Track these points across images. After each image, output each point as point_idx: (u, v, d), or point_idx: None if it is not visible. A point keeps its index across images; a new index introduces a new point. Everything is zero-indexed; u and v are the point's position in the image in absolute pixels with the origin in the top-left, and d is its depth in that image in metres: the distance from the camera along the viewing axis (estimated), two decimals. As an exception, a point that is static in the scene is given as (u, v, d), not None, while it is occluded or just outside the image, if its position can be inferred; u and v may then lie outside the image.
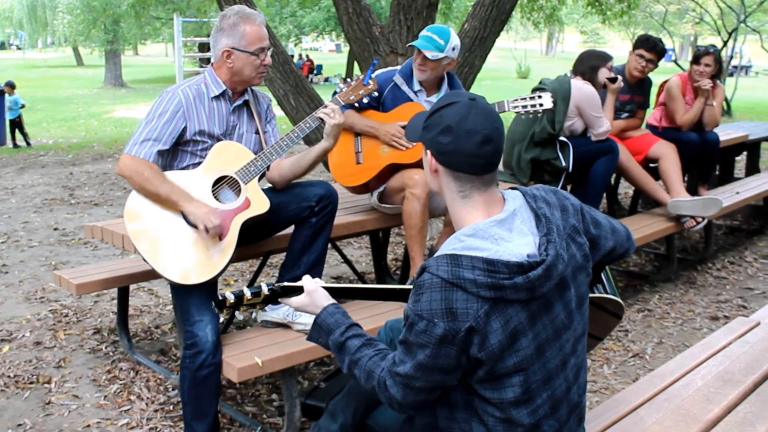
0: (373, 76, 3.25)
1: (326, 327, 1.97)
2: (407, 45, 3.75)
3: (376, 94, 3.37)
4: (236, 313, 2.13)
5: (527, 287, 1.65)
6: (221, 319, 2.16)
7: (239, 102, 3.08)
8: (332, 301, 2.04)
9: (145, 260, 2.91)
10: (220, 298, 2.02)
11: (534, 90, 4.86)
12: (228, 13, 2.99)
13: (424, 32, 3.70)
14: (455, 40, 3.68)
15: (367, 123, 3.76)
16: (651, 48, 5.18)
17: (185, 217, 2.91)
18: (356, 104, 3.31)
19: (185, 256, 2.88)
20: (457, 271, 1.63)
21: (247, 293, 2.05)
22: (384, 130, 3.71)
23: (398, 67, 3.89)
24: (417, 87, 3.80)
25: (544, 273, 1.67)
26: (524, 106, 3.58)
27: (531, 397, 1.74)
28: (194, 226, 2.89)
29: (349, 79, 3.24)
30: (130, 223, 2.91)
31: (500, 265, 1.63)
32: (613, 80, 4.81)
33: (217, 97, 3.00)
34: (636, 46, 5.26)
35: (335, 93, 3.34)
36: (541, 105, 3.56)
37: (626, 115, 5.44)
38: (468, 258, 1.64)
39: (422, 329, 1.65)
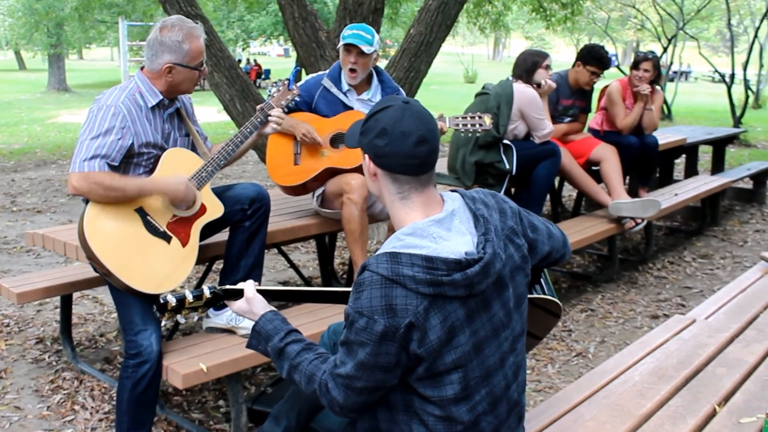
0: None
1: (265, 334, 1.97)
2: (339, 45, 3.81)
3: (298, 99, 3.59)
4: (180, 317, 2.12)
5: (465, 284, 1.69)
6: (163, 323, 2.15)
7: (171, 110, 3.06)
8: (270, 307, 2.05)
9: (115, 276, 2.79)
10: (162, 301, 2.02)
11: (477, 95, 4.96)
12: (169, 26, 2.91)
13: (349, 31, 3.78)
14: (377, 35, 3.84)
15: (289, 122, 3.79)
16: (606, 65, 5.37)
17: (146, 227, 2.89)
18: (285, 109, 3.53)
19: (154, 267, 2.86)
20: (397, 268, 1.67)
21: (189, 296, 2.05)
22: (299, 128, 3.78)
23: (325, 72, 3.94)
24: (346, 87, 3.87)
25: (482, 270, 1.71)
26: (464, 125, 3.71)
27: (470, 394, 1.77)
28: (158, 233, 2.89)
29: (277, 83, 3.40)
30: (94, 242, 2.78)
31: (439, 262, 1.67)
32: (539, 85, 4.88)
33: (153, 107, 2.96)
34: (589, 63, 5.36)
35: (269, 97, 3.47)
36: (481, 125, 3.68)
37: (569, 119, 5.55)
38: (407, 255, 1.68)
39: (363, 326, 1.68)
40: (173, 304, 2.03)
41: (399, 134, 1.75)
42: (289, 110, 3.83)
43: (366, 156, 1.83)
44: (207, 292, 2.07)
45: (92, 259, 2.83)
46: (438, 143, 1.82)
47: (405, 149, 1.75)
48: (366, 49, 3.71)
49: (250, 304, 2.04)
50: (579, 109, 5.59)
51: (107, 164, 2.79)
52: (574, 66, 5.47)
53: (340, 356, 1.78)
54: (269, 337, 1.96)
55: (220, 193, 3.18)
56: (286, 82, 3.45)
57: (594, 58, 5.35)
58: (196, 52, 2.94)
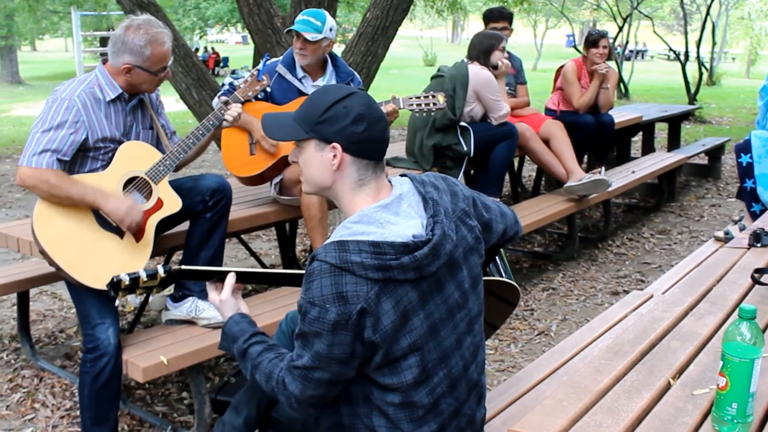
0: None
1: (231, 336, 1.98)
2: (285, 31, 3.78)
3: (269, 89, 3.46)
4: (134, 297, 2.11)
5: (414, 267, 1.70)
6: (116, 303, 2.12)
7: (134, 102, 3.01)
8: (239, 310, 2.05)
9: (65, 272, 2.78)
10: (115, 280, 1.99)
11: (433, 78, 4.95)
12: (134, 26, 2.85)
13: (300, 17, 3.76)
14: (331, 21, 3.77)
15: (246, 118, 3.72)
16: (497, 17, 5.48)
17: (98, 221, 2.84)
18: (253, 99, 3.47)
19: (105, 262, 2.81)
20: (345, 255, 1.66)
21: (143, 275, 2.02)
22: (257, 128, 3.71)
23: (280, 58, 3.90)
24: (301, 74, 3.84)
25: (431, 252, 1.72)
26: (419, 105, 3.72)
27: (428, 376, 1.78)
28: (111, 228, 2.84)
29: (243, 73, 3.30)
30: (43, 236, 2.77)
31: (386, 247, 1.67)
32: (495, 67, 4.90)
33: (113, 100, 2.91)
34: (487, 22, 5.53)
35: (231, 85, 3.38)
36: (435, 104, 3.69)
37: (508, 89, 5.56)
38: (354, 242, 1.68)
39: (315, 316, 1.67)
40: (127, 283, 2.00)
41: (374, 119, 1.77)
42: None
43: (333, 145, 1.77)
44: (161, 272, 2.05)
45: (43, 253, 2.80)
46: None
47: (379, 134, 1.79)
48: (311, 36, 3.66)
49: (222, 306, 2.05)
50: (512, 77, 5.59)
51: (58, 159, 2.75)
52: None
53: (296, 350, 1.78)
54: (235, 339, 1.97)
55: (182, 184, 3.14)
56: (255, 73, 3.36)
57: (484, 16, 5.57)
58: (157, 58, 2.89)
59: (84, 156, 2.89)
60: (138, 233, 2.89)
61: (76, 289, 2.86)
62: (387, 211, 1.76)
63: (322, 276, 1.67)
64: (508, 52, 5.55)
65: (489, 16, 5.58)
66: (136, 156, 2.96)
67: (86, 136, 2.82)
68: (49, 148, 2.74)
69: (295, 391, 1.78)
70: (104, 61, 2.95)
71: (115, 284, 1.99)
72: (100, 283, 2.75)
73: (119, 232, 2.87)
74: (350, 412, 1.84)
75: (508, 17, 5.54)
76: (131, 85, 2.93)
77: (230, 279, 2.06)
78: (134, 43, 2.84)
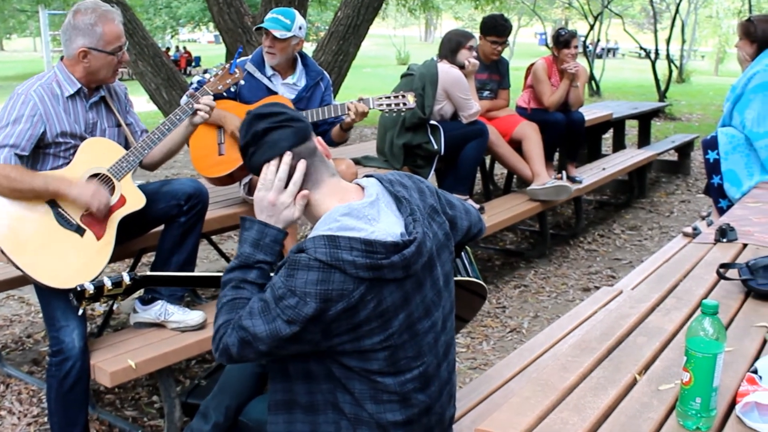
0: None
1: (262, 245, 1.82)
2: (254, 28, 3.76)
3: (243, 82, 3.43)
4: (98, 305, 2.08)
5: (403, 265, 1.69)
6: (80, 311, 2.08)
7: (95, 98, 2.96)
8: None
9: (24, 272, 2.73)
10: (79, 289, 1.95)
11: (403, 76, 4.95)
12: (82, 9, 2.83)
13: (269, 14, 3.77)
14: (300, 20, 3.77)
15: (218, 113, 3.67)
16: (501, 33, 5.36)
17: (58, 219, 2.79)
18: (224, 94, 3.46)
19: (65, 261, 2.76)
20: (336, 252, 1.64)
21: (108, 283, 2.00)
22: (230, 121, 3.70)
23: (249, 57, 3.88)
24: (270, 72, 3.82)
25: (417, 250, 1.72)
26: (388, 105, 3.74)
27: (399, 371, 1.77)
28: (71, 226, 2.79)
29: (214, 69, 3.25)
30: (0, 236, 2.72)
31: (378, 246, 1.66)
32: (463, 66, 4.90)
33: (72, 96, 2.87)
34: (486, 33, 5.38)
35: (199, 83, 3.34)
36: (404, 104, 3.72)
37: (488, 94, 5.56)
38: (346, 239, 1.66)
39: (292, 305, 1.65)
40: (91, 292, 1.97)
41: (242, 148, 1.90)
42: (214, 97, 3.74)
43: None
44: (126, 279, 2.03)
45: (2, 253, 2.75)
46: (271, 136, 1.83)
47: (248, 163, 1.89)
48: (279, 34, 3.66)
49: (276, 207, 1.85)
50: (496, 83, 5.61)
51: (16, 154, 2.71)
52: (480, 40, 5.50)
53: (253, 309, 1.71)
54: (258, 249, 1.82)
55: (158, 188, 3.10)
56: (227, 66, 3.29)
57: (490, 27, 5.38)
58: (110, 36, 2.84)
59: (45, 153, 2.84)
60: (99, 231, 2.83)
61: (42, 291, 2.81)
62: (372, 208, 1.76)
63: (310, 270, 1.64)
64: (501, 57, 5.55)
65: (493, 30, 5.35)
66: (98, 152, 2.91)
67: (44, 130, 2.77)
68: (7, 144, 2.69)
69: (233, 349, 1.73)
70: (62, 58, 2.91)
71: (78, 293, 1.96)
72: (61, 283, 2.70)
73: (79, 231, 2.82)
74: (307, 390, 1.81)
75: (510, 31, 5.53)
76: (90, 74, 2.88)
77: None
78: (84, 23, 2.81)
